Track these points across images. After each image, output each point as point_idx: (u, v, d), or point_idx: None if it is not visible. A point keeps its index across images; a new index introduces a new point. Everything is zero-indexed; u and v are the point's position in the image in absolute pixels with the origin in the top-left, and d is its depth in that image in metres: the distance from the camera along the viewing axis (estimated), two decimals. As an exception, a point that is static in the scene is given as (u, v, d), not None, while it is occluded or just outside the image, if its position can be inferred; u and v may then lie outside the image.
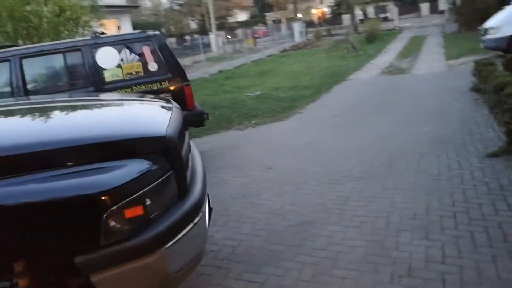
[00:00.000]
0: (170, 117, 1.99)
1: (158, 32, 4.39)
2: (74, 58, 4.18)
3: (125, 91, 4.22)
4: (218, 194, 4.17)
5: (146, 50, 4.32)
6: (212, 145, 6.05)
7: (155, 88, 4.29)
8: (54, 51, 4.21)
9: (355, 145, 5.09)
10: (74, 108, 2.34)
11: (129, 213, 1.48)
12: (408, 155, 4.50)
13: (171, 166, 1.72)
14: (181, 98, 4.38)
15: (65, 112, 2.28)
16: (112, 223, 1.45)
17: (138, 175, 1.55)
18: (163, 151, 1.71)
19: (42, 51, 4.23)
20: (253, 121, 7.23)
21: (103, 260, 1.45)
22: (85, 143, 1.58)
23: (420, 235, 2.92)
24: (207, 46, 26.91)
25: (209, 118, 5.15)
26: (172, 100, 2.61)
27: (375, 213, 3.32)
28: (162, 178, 1.65)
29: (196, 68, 18.78)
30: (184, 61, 22.03)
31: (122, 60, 4.26)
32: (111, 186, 1.46)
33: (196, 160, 2.38)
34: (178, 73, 4.38)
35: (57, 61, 4.18)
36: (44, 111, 2.28)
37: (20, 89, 4.03)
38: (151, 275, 1.55)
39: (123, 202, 1.46)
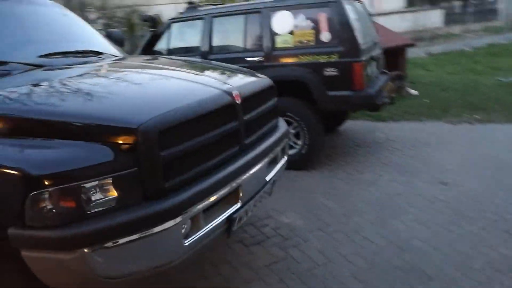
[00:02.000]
0: (182, 106, 1.68)
1: None
2: (253, 21, 4.15)
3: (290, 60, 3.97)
4: (357, 195, 3.55)
5: (323, 18, 3.85)
6: (403, 135, 5.14)
7: (321, 60, 3.83)
8: (238, 12, 4.31)
9: None
10: (96, 75, 2.21)
11: (57, 202, 1.37)
12: None
13: (136, 163, 1.49)
14: (348, 75, 3.78)
15: (77, 81, 2.07)
16: (36, 207, 1.37)
17: (78, 164, 1.39)
18: (132, 145, 1.48)
19: (230, 11, 4.41)
20: (477, 116, 5.68)
21: (28, 240, 1.42)
22: (38, 117, 1.54)
23: None
24: (493, 12, 22.51)
25: (391, 103, 4.31)
26: (257, 75, 2.28)
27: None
28: (114, 174, 1.44)
29: (461, 39, 16.07)
30: (451, 29, 19.25)
31: (295, 26, 3.97)
32: (38, 171, 1.37)
33: (245, 158, 2.02)
34: (351, 47, 3.74)
35: (239, 22, 4.26)
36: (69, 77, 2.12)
37: (207, 46, 4.38)
38: (70, 273, 1.43)
39: (49, 189, 1.36)
